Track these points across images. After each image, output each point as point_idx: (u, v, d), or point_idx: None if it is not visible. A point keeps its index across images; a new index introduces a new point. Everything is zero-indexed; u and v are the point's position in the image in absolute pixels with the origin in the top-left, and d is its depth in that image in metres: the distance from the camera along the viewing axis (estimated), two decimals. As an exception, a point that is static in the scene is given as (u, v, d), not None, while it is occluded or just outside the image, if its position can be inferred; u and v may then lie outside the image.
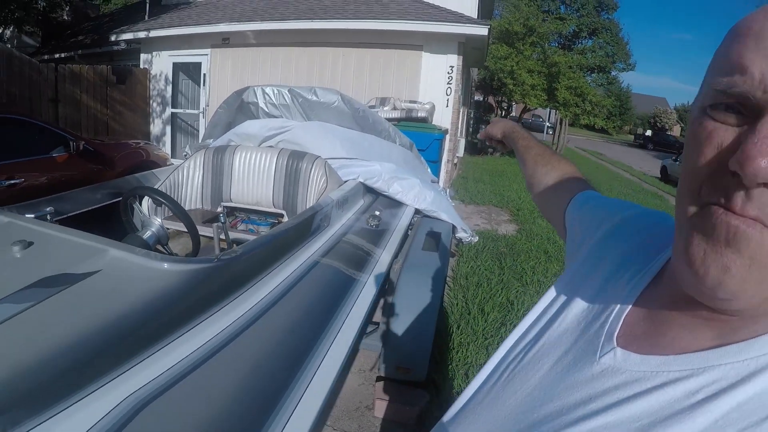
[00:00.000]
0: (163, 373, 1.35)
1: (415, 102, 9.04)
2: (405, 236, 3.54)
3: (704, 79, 0.56)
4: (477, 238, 5.35)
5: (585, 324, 0.71)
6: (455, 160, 11.65)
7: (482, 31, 9.43)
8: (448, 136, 9.41)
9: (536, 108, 21.21)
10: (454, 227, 4.24)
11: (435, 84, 9.80)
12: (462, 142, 12.12)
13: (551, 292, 0.83)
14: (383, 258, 2.99)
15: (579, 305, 0.75)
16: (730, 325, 0.55)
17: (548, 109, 26.60)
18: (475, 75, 21.33)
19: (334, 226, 3.10)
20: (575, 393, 0.62)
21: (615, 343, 0.64)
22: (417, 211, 4.11)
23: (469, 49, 10.70)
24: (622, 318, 0.67)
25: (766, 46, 0.48)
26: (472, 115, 21.85)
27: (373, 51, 9.96)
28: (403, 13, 9.86)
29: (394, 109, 8.34)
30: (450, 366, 3.42)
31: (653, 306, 0.66)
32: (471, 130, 21.07)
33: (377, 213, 3.48)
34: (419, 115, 8.26)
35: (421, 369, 2.73)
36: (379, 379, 2.94)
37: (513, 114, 28.00)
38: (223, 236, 2.82)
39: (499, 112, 26.02)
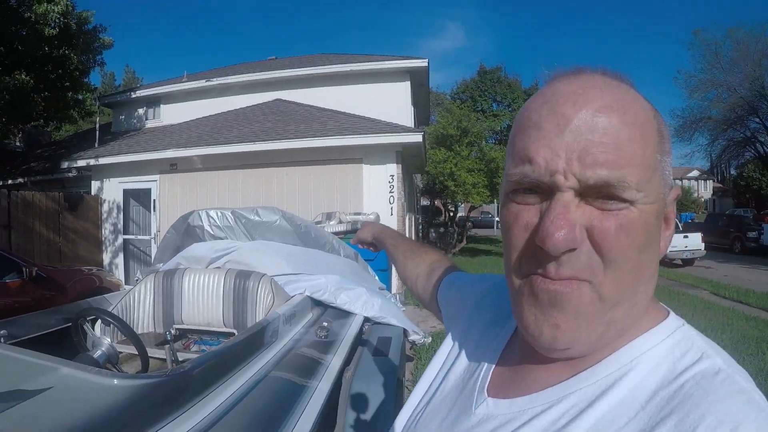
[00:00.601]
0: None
1: (359, 213, 9.29)
2: (355, 344, 3.61)
3: (505, 169, 0.67)
4: (430, 338, 5.44)
5: (463, 383, 0.79)
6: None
7: (417, 138, 9.93)
8: (395, 243, 9.59)
9: (481, 205, 21.77)
10: (405, 331, 4.32)
11: (378, 194, 10.15)
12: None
13: (448, 341, 0.93)
14: (333, 366, 3.04)
15: (460, 366, 0.84)
16: (581, 360, 0.63)
17: (497, 205, 27.26)
18: (419, 181, 22.00)
19: (282, 339, 3.16)
20: None
21: (486, 395, 0.72)
22: (367, 320, 4.19)
23: (407, 157, 11.16)
24: (490, 373, 0.76)
25: (545, 136, 0.59)
26: (420, 221, 22.29)
27: (315, 168, 10.34)
28: (341, 129, 10.35)
29: (340, 222, 8.54)
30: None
31: (513, 357, 0.75)
32: (421, 235, 21.44)
33: (325, 324, 3.54)
34: (365, 225, 8.44)
35: None
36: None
37: (461, 214, 28.61)
38: (173, 357, 2.85)
39: (447, 214, 26.62)
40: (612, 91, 0.59)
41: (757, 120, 28.00)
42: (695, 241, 17.26)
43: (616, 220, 0.57)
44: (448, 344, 0.92)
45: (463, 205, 27.01)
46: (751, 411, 0.50)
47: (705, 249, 17.80)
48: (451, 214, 27.12)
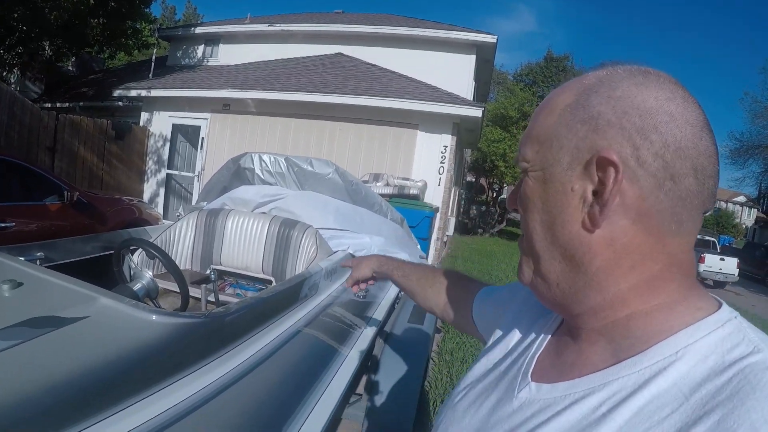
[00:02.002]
0: (140, 426, 1.34)
1: (407, 179, 9.20)
2: (391, 309, 3.55)
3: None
4: (463, 315, 5.35)
5: (507, 368, 0.81)
6: (445, 239, 11.73)
7: (477, 113, 9.72)
8: (438, 215, 9.51)
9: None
10: (440, 303, 4.24)
11: (428, 162, 10.03)
12: (452, 221, 12.24)
13: (497, 333, 0.95)
14: (368, 329, 2.99)
15: (505, 351, 0.86)
16: (622, 345, 0.63)
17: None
18: (468, 156, 21.75)
19: (321, 294, 3.11)
20: (499, 428, 0.70)
21: (530, 379, 0.72)
22: (405, 286, 4.10)
23: (463, 130, 10.97)
24: (536, 359, 0.77)
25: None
26: (463, 196, 22.12)
27: (370, 127, 10.22)
28: (401, 92, 10.17)
29: (387, 185, 8.47)
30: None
31: (559, 344, 0.75)
32: (462, 210, 21.28)
33: (364, 285, 3.48)
34: (411, 192, 8.38)
35: None
36: (361, 449, 2.88)
37: (504, 196, 28.27)
38: (211, 297, 2.81)
39: (491, 193, 26.33)
40: (562, 90, 0.70)
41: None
42: (730, 266, 17.20)
43: (520, 188, 0.73)
44: (497, 334, 0.94)
45: (507, 188, 26.70)
46: None
47: (738, 275, 17.64)
48: (495, 194, 26.86)
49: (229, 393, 1.67)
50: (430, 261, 7.59)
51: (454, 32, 12.54)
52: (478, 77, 14.07)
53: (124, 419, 1.32)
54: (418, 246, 5.77)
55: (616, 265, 0.63)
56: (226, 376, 1.74)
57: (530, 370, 0.74)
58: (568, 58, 39.13)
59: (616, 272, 0.63)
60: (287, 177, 4.23)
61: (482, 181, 28.80)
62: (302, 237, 3.56)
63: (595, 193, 0.62)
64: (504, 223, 21.38)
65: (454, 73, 12.05)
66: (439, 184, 10.02)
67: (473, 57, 12.54)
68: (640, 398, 0.56)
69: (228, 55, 14.18)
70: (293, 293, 2.64)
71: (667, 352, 0.58)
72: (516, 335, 0.88)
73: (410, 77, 11.33)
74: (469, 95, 11.76)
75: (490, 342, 0.94)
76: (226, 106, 11.07)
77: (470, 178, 28.30)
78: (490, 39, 12.50)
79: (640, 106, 0.60)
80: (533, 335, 0.83)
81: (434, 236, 9.50)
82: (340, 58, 12.78)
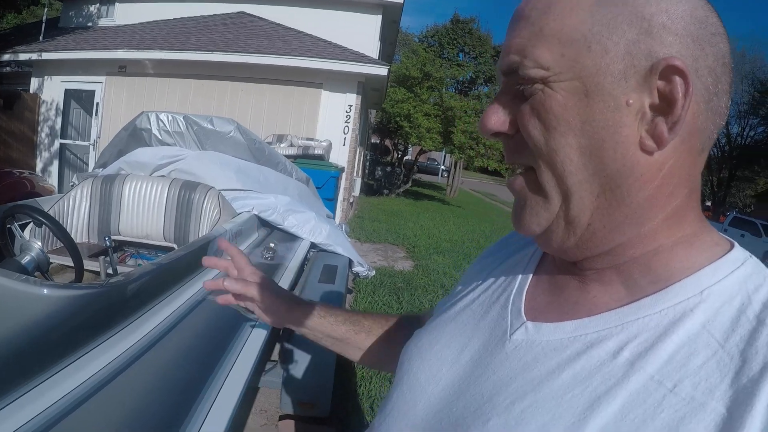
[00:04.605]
0: (40, 414, 1.20)
1: (312, 139, 9.06)
2: (301, 270, 3.46)
3: None
4: (374, 272, 5.36)
5: (484, 309, 0.71)
6: (351, 199, 11.71)
7: (382, 71, 9.68)
8: (344, 175, 9.47)
9: (431, 151, 21.84)
10: (350, 261, 4.21)
11: (333, 122, 9.91)
12: (358, 182, 12.21)
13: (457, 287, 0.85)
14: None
15: (477, 294, 0.75)
16: (640, 282, 0.57)
17: (443, 153, 27.46)
18: (372, 117, 21.75)
19: (227, 258, 2.98)
20: (493, 376, 0.60)
21: (524, 318, 0.63)
22: (313, 246, 4.04)
23: (368, 90, 10.91)
24: (524, 294, 0.67)
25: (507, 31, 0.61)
26: (368, 157, 22.16)
27: (272, 87, 9.96)
28: (305, 50, 9.96)
29: (291, 145, 8.31)
30: (354, 401, 3.36)
31: (549, 279, 0.67)
32: (367, 171, 21.33)
33: (272, 245, 3.38)
34: (316, 152, 8.28)
35: (324, 403, 2.63)
36: (282, 417, 2.82)
37: (409, 157, 28.62)
38: (110, 270, 2.62)
39: (396, 154, 26.53)
40: None
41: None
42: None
43: (530, 104, 0.56)
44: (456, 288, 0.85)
45: (412, 149, 27.01)
46: None
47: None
48: (400, 155, 27.10)
49: (134, 369, 1.54)
50: (336, 221, 7.53)
51: (363, -9, 12.33)
52: (383, 38, 13.96)
53: (20, 409, 1.18)
54: (324, 206, 5.71)
55: (660, 193, 0.55)
56: (129, 351, 1.61)
57: (521, 308, 0.65)
58: (474, 21, 39.60)
59: (660, 201, 0.56)
60: (186, 137, 4.00)
61: (387, 142, 28.96)
62: (204, 199, 3.38)
63: (652, 107, 0.53)
64: (409, 184, 21.62)
65: (359, 33, 11.86)
66: (344, 144, 9.94)
67: (379, 17, 12.39)
68: (669, 344, 0.51)
69: (125, 14, 13.21)
70: (196, 258, 2.50)
71: (691, 292, 0.53)
72: (486, 277, 0.78)
73: (315, 36, 11.07)
74: (374, 55, 11.65)
75: (452, 294, 0.84)
76: (122, 68, 10.37)
77: (375, 139, 28.38)
78: None
79: (693, 14, 0.53)
80: (509, 274, 0.74)
81: (340, 196, 9.44)
82: (243, 17, 12.26)
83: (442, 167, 39.64)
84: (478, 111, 22.89)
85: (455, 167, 24.26)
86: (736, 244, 0.58)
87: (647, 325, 0.53)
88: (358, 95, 9.97)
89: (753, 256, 0.57)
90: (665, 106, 0.52)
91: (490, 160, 18.72)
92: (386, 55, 16.56)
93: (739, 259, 0.55)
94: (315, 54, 9.80)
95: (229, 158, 4.06)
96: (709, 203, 38.19)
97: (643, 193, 0.55)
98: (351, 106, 9.95)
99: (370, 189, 19.68)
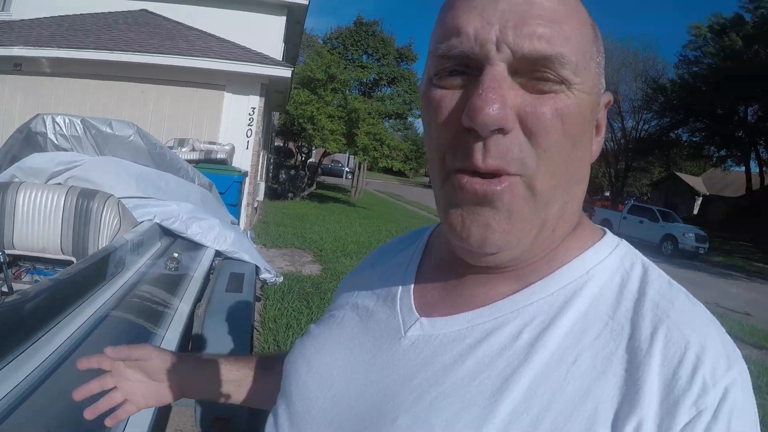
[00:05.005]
0: None
1: (214, 143, 8.83)
2: (207, 279, 3.37)
3: (428, 53, 0.59)
4: (282, 278, 5.30)
5: (369, 313, 0.70)
6: (255, 204, 11.52)
7: (286, 73, 9.61)
8: (248, 179, 9.30)
9: (335, 153, 21.84)
10: (257, 268, 4.14)
11: (236, 125, 9.72)
12: (262, 186, 12.03)
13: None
14: (184, 303, 2.80)
15: (359, 300, 0.74)
16: (523, 272, 0.60)
17: (347, 155, 27.51)
18: (276, 120, 21.48)
19: (129, 270, 2.86)
20: (392, 374, 0.60)
21: (417, 314, 0.64)
22: (218, 254, 3.94)
23: (271, 92, 10.78)
24: (411, 293, 0.68)
25: (475, 6, 0.52)
26: (272, 161, 21.88)
27: (174, 89, 9.63)
28: (208, 51, 9.72)
29: (193, 150, 8.06)
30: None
31: (437, 275, 0.68)
32: (271, 175, 21.05)
33: (176, 255, 3.27)
34: (219, 156, 8.10)
35: (241, 417, 2.57)
36: (199, 435, 2.74)
37: (313, 160, 28.49)
38: (5, 288, 2.46)
39: (300, 156, 26.32)
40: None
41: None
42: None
43: (552, 104, 0.52)
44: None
45: (315, 151, 26.89)
46: (709, 326, 0.53)
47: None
48: (304, 157, 26.91)
49: (36, 396, 1.44)
50: (241, 227, 7.39)
51: (267, -8, 12.15)
52: (288, 39, 13.82)
53: None
54: (228, 212, 5.59)
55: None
56: (30, 377, 1.50)
57: (412, 305, 0.65)
58: (377, 24, 39.84)
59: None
60: (84, 141, 3.79)
61: (290, 145, 28.67)
62: (103, 208, 3.22)
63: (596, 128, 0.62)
64: (314, 186, 21.52)
65: (264, 34, 11.68)
66: (247, 148, 9.76)
67: (284, 18, 12.26)
68: (564, 322, 0.54)
69: (22, 8, 12.26)
70: (97, 271, 2.38)
71: (577, 273, 0.58)
72: (365, 284, 0.77)
73: (218, 37, 10.80)
74: (279, 57, 11.52)
75: (330, 309, 0.81)
76: (17, 66, 9.59)
77: (278, 142, 28.02)
78: (302, 0, 12.31)
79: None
80: (390, 277, 0.73)
81: (245, 202, 9.27)
82: (145, 15, 11.74)
83: (347, 169, 39.70)
84: (382, 113, 23.11)
85: (359, 169, 24.39)
86: (607, 230, 0.64)
87: (541, 308, 0.56)
88: (261, 97, 9.82)
89: (623, 239, 0.63)
90: (596, 128, 0.61)
91: (395, 161, 18.98)
92: (290, 56, 16.41)
93: (614, 242, 0.62)
94: (218, 55, 9.59)
95: (129, 164, 3.89)
96: (608, 194, 40.71)
97: (582, 193, 0.61)
98: (254, 108, 9.78)
99: (274, 193, 19.42)
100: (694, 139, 36.36)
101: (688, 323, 0.52)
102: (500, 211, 0.53)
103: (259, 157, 10.52)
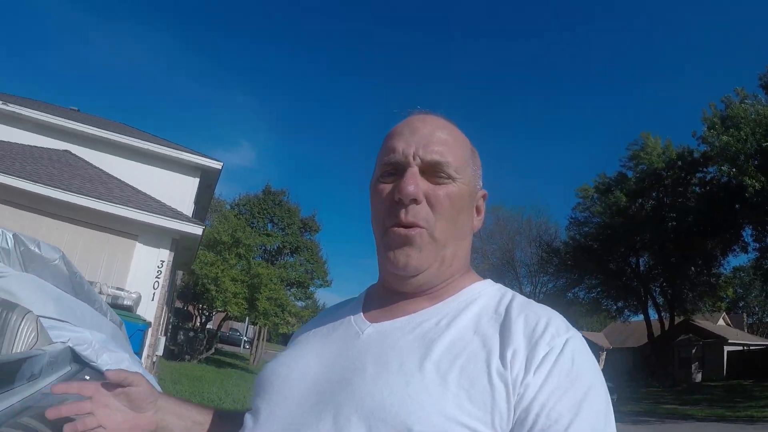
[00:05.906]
0: None
1: (121, 289, 8.68)
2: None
3: (375, 163, 0.99)
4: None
5: (332, 328, 1.01)
6: (154, 359, 11.06)
7: (197, 230, 9.84)
8: (150, 331, 9.06)
9: (234, 320, 21.47)
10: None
11: (144, 275, 9.69)
12: (162, 341, 11.64)
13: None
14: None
15: (320, 324, 1.06)
16: (436, 293, 0.95)
17: (246, 324, 26.93)
18: (179, 280, 21.13)
19: (39, 383, 2.78)
20: (353, 351, 0.90)
21: (368, 322, 0.95)
22: (126, 387, 3.84)
23: (181, 248, 10.84)
24: (361, 314, 0.99)
25: (404, 137, 0.93)
26: (171, 320, 21.18)
27: (89, 231, 9.63)
28: (126, 200, 9.88)
29: (101, 293, 7.88)
30: None
31: (381, 301, 0.99)
32: (169, 335, 20.26)
33: (87, 379, 3.22)
34: (125, 303, 7.95)
35: None
36: None
37: (210, 326, 27.72)
38: None
39: (199, 319, 25.57)
40: (445, 120, 0.98)
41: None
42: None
43: (444, 190, 0.90)
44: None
45: (215, 317, 26.31)
46: (554, 312, 0.88)
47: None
48: (203, 320, 26.18)
49: None
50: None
51: (184, 153, 12.71)
52: (198, 200, 14.20)
53: None
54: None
55: (464, 247, 1.00)
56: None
57: (364, 319, 0.96)
58: (285, 193, 40.89)
59: (461, 251, 0.98)
60: (12, 255, 3.76)
61: (190, 308, 27.94)
62: (21, 322, 3.18)
63: (477, 209, 1.02)
64: (212, 350, 20.80)
65: (177, 192, 12.05)
66: (152, 299, 9.63)
67: (197, 180, 12.75)
68: (467, 314, 0.89)
69: None
70: (7, 373, 2.33)
71: (472, 294, 0.95)
72: (323, 320, 1.07)
73: (136, 188, 10.99)
74: (189, 215, 11.75)
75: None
76: None
77: (179, 304, 27.26)
78: (216, 165, 12.89)
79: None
80: (344, 311, 1.04)
81: (145, 353, 8.95)
82: (68, 156, 11.84)
83: (245, 338, 38.64)
84: (284, 280, 23.24)
85: (258, 337, 23.96)
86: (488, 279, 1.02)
87: (451, 310, 0.91)
88: (171, 251, 9.95)
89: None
90: (477, 210, 1.02)
91: (296, 328, 18.81)
92: (200, 218, 16.67)
93: (492, 282, 1.00)
94: (135, 205, 9.76)
95: (50, 286, 3.87)
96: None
97: (465, 246, 0.99)
98: (163, 261, 9.84)
99: (171, 354, 18.60)
100: (591, 295, 37.72)
101: (541, 310, 0.88)
102: (415, 247, 0.89)
103: (162, 310, 10.33)
